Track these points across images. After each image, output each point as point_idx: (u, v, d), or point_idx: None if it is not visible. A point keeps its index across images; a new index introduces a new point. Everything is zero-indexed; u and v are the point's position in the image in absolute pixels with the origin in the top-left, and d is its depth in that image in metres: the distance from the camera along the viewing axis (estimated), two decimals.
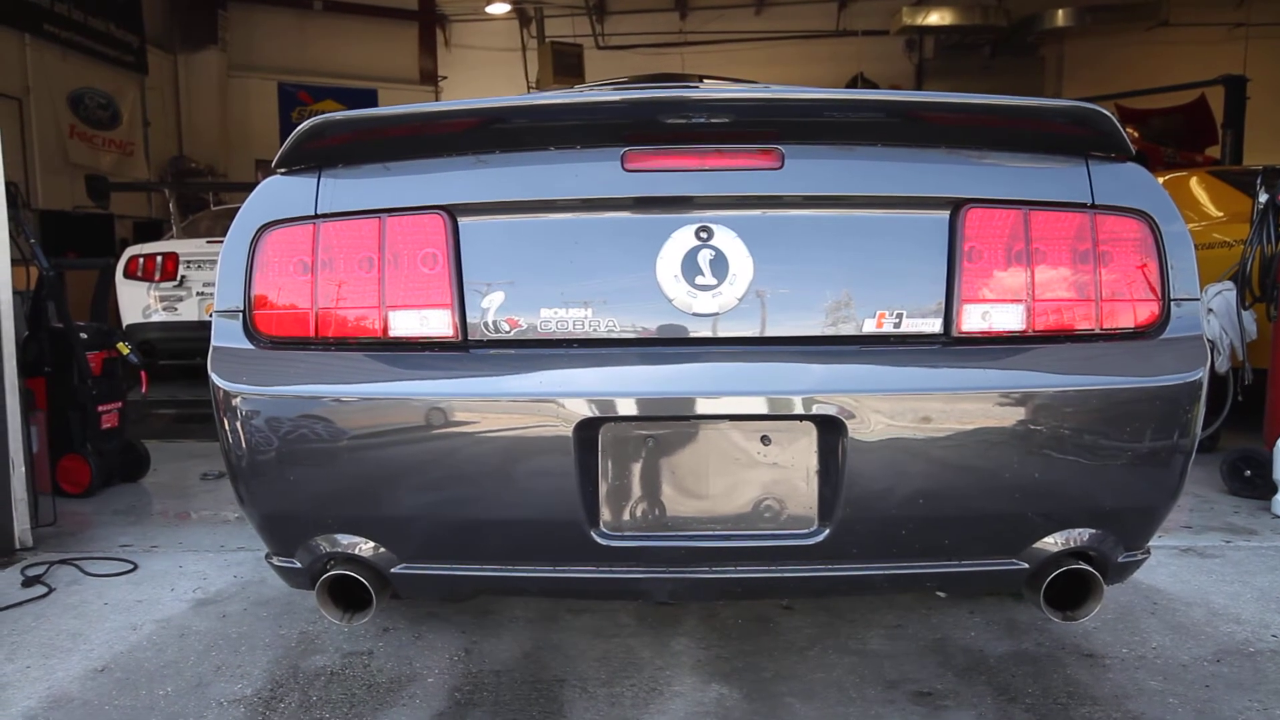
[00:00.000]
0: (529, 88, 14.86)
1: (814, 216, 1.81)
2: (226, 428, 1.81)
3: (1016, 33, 14.89)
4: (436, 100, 13.94)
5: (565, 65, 13.82)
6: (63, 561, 3.22)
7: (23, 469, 3.40)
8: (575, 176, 1.81)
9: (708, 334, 1.79)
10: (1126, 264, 1.82)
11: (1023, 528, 1.80)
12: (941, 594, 2.60)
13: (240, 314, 1.85)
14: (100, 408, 4.34)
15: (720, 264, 1.77)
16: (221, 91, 14.82)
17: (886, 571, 1.85)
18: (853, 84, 14.31)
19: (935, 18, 14.15)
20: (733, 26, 15.27)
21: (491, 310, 1.80)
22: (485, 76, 15.75)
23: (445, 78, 16.29)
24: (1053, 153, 1.86)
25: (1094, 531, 1.81)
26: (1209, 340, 4.34)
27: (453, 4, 15.93)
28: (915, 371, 1.76)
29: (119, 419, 4.48)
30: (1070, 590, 1.85)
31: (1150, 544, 1.94)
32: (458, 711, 2.14)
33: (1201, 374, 1.78)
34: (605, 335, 1.78)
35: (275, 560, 1.94)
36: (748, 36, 15.14)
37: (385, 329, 1.81)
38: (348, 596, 1.88)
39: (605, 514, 1.77)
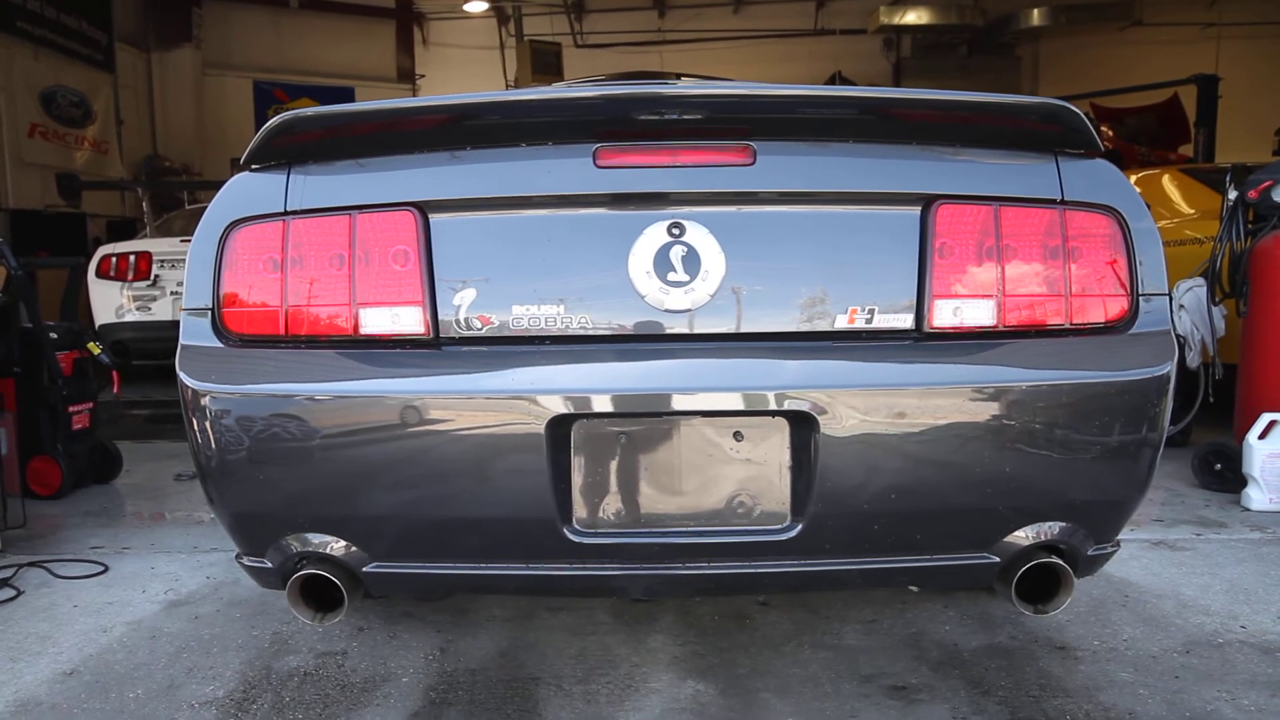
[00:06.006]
0: (507, 86, 14.81)
1: (786, 213, 1.82)
2: (195, 427, 1.79)
3: (992, 32, 15.00)
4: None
5: (544, 63, 13.77)
6: (32, 564, 3.18)
7: None
8: (547, 173, 1.80)
9: (680, 330, 1.78)
10: (1096, 259, 1.83)
11: (994, 522, 1.81)
12: (914, 589, 2.62)
13: (209, 312, 1.83)
14: (71, 408, 4.29)
15: (692, 260, 1.77)
16: (196, 90, 14.67)
17: (859, 566, 1.86)
18: (830, 83, 14.36)
19: (912, 17, 14.25)
20: (711, 25, 15.29)
21: (463, 307, 1.79)
22: (463, 75, 15.68)
23: (423, 76, 16.21)
24: (1023, 149, 1.87)
25: (1064, 525, 1.83)
26: (1180, 336, 4.38)
27: (431, 2, 15.85)
28: (887, 367, 1.77)
29: (90, 420, 4.43)
30: (1041, 583, 1.87)
31: (1120, 537, 1.95)
32: (433, 710, 2.13)
33: (1169, 368, 1.80)
34: (577, 332, 1.78)
35: (246, 560, 1.92)
36: (726, 35, 15.16)
37: (356, 327, 1.80)
38: (320, 596, 1.87)
39: (578, 511, 1.77)
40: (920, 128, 1.86)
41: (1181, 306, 4.44)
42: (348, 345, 1.81)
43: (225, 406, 1.77)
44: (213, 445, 1.77)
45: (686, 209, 1.79)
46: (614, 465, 1.76)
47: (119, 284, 7.22)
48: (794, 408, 1.71)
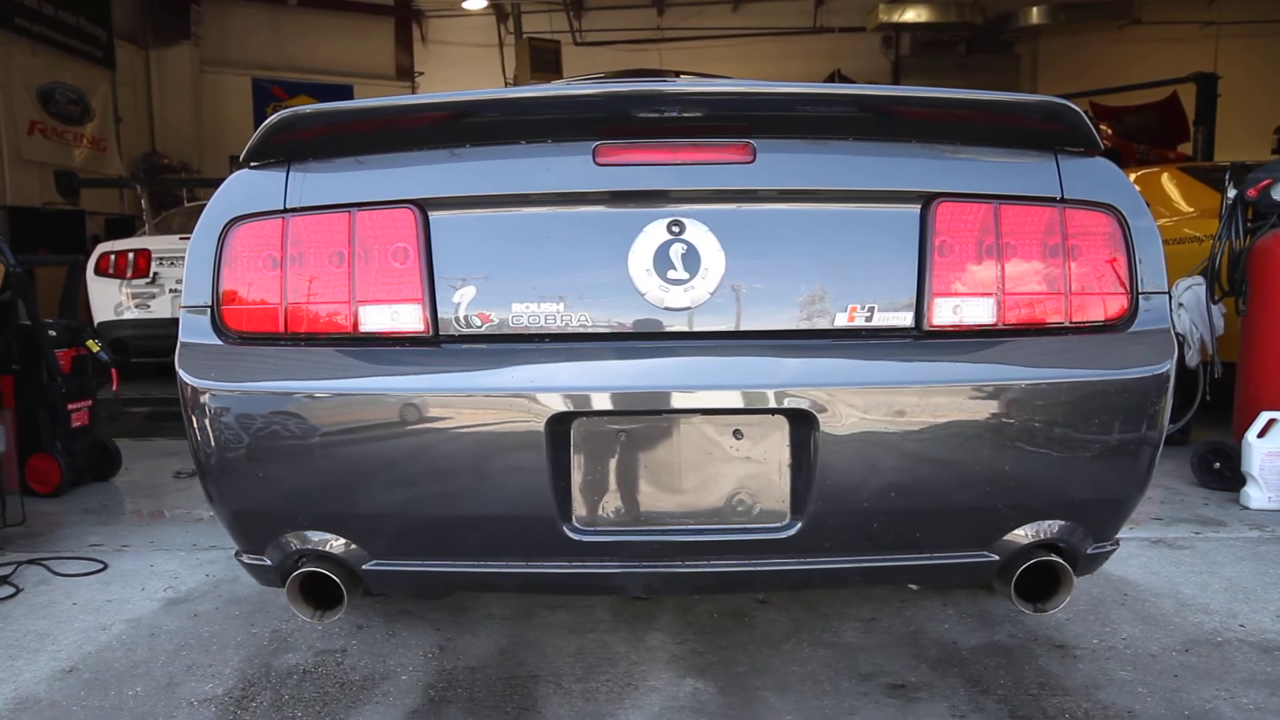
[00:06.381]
0: (506, 84, 14.79)
1: (786, 210, 1.81)
2: (195, 425, 1.79)
3: (992, 30, 15.00)
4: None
5: (543, 61, 13.76)
6: (31, 561, 3.18)
7: None
8: (547, 170, 1.80)
9: (680, 328, 1.78)
10: (1095, 258, 1.83)
11: (993, 520, 1.81)
12: (914, 587, 2.62)
13: (208, 309, 1.83)
14: (70, 406, 4.29)
15: (692, 258, 1.77)
16: (195, 87, 14.63)
17: (859, 564, 1.86)
18: (830, 80, 14.34)
19: (911, 15, 14.23)
20: (710, 23, 15.27)
21: (463, 305, 1.79)
22: (462, 72, 15.66)
23: (422, 73, 16.18)
24: (1023, 147, 1.87)
25: (1063, 523, 1.83)
26: (1179, 334, 4.38)
27: None
28: (886, 365, 1.77)
29: (89, 417, 4.42)
30: (1041, 582, 1.87)
31: (1120, 535, 1.95)
32: (431, 708, 2.13)
33: (1169, 366, 1.80)
34: (577, 330, 1.78)
35: (245, 558, 1.92)
36: (725, 33, 15.14)
37: (356, 324, 1.80)
38: (319, 594, 1.87)
39: (578, 509, 1.77)
40: (920, 126, 1.86)
41: (1181, 305, 4.44)
42: (347, 343, 1.80)
43: (225, 404, 1.77)
44: (212, 443, 1.77)
45: (686, 207, 1.79)
46: (614, 463, 1.76)
47: (118, 281, 7.21)
48: (793, 406, 1.70)
